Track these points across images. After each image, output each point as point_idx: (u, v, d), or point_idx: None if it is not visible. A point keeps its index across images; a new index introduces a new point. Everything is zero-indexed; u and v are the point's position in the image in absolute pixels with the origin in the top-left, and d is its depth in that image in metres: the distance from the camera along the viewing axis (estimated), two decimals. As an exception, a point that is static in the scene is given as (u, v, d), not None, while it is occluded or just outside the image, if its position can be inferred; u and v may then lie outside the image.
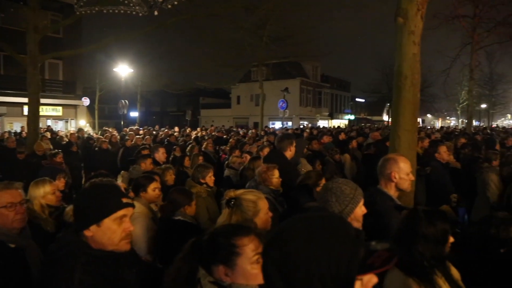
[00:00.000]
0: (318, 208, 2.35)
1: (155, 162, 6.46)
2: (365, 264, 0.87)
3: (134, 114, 34.25)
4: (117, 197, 1.75)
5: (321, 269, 0.85)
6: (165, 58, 30.35)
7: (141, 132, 16.44)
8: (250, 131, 18.10)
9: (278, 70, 32.56)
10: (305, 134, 12.96)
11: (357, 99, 59.12)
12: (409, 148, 4.50)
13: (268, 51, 23.84)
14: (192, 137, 14.19)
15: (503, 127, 30.35)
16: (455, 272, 2.15)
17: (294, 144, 4.86)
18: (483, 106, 51.01)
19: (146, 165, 5.83)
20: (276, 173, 3.87)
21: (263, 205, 2.31)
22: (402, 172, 2.80)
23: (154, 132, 16.70)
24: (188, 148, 9.00)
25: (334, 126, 34.34)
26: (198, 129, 20.28)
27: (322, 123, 41.00)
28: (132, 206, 1.80)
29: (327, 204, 2.01)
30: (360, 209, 2.06)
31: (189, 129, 19.77)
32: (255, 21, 22.45)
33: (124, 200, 1.75)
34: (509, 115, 76.75)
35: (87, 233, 1.69)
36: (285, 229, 0.95)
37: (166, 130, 18.23)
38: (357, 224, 2.02)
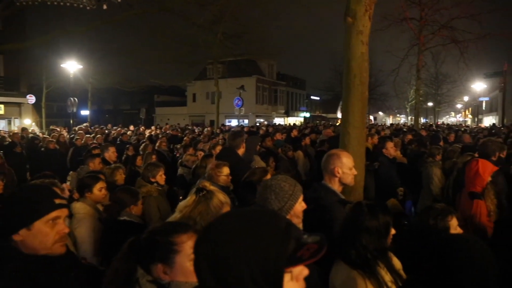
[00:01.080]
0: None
1: (105, 162, 6.25)
2: (294, 256, 0.87)
3: (85, 112, 32.92)
4: (48, 198, 1.65)
5: (250, 263, 0.84)
6: (118, 55, 29.16)
7: (92, 131, 15.83)
8: (205, 129, 17.96)
9: (234, 68, 32.59)
10: (260, 132, 13.03)
11: (312, 97, 60.37)
12: (358, 144, 4.62)
13: (223, 48, 23.70)
14: (146, 136, 13.85)
15: (447, 124, 32.13)
16: (396, 262, 2.22)
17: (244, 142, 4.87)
18: (430, 104, 53.70)
19: (95, 164, 5.63)
20: (225, 170, 3.86)
21: (226, 210, 2.29)
22: (345, 167, 2.86)
23: (106, 131, 16.13)
24: (141, 147, 8.79)
25: (289, 124, 34.84)
26: (153, 127, 19.83)
27: (278, 121, 41.48)
28: (66, 207, 1.71)
29: (266, 202, 2.00)
30: (300, 205, 2.07)
31: (143, 127, 19.30)
32: (209, 18, 22.27)
33: (57, 201, 1.66)
34: (453, 113, 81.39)
35: (16, 237, 1.58)
36: (215, 224, 0.94)
37: (119, 129, 17.68)
38: (297, 220, 2.03)
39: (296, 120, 49.02)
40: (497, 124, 27.56)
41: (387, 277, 2.03)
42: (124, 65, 33.44)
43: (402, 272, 2.18)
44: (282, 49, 26.67)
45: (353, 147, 4.54)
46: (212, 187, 2.35)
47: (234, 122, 32.41)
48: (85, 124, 19.67)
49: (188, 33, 21.78)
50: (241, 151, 4.82)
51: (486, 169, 4.15)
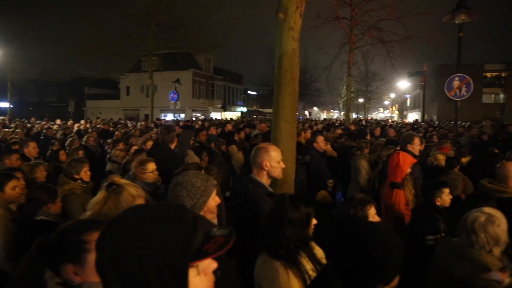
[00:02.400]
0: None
1: (25, 158, 5.81)
2: (201, 251, 0.86)
3: (4, 104, 30.24)
4: None
5: (155, 259, 0.82)
6: (43, 43, 27.00)
7: (12, 125, 14.58)
8: (139, 123, 17.35)
9: (169, 61, 31.70)
10: (196, 126, 12.88)
11: (249, 92, 60.88)
12: (289, 138, 4.72)
13: (158, 40, 22.97)
14: (74, 131, 13.07)
15: (375, 119, 34.05)
16: (318, 251, 2.30)
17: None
18: (361, 100, 56.51)
19: (12, 161, 5.20)
20: (150, 167, 3.76)
21: (140, 203, 2.20)
22: (273, 160, 2.91)
23: (28, 125, 14.95)
24: (68, 142, 8.30)
25: (226, 118, 34.81)
26: (82, 121, 18.74)
27: (215, 115, 41.33)
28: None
29: (178, 199, 1.95)
30: (214, 201, 2.05)
31: (71, 121, 18.19)
32: (144, 8, 21.44)
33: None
34: (381, 109, 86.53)
35: None
36: (117, 219, 0.89)
37: (43, 123, 16.48)
38: (211, 216, 2.01)
39: (233, 114, 49.13)
40: (419, 120, 29.75)
41: (308, 266, 2.10)
42: (50, 55, 31.11)
43: (324, 260, 2.27)
44: (219, 43, 26.27)
45: (284, 141, 4.64)
46: (122, 181, 2.25)
47: (170, 116, 31.66)
48: (1, 118, 17.99)
49: (121, 23, 20.82)
50: (174, 146, 4.72)
51: (406, 161, 4.45)
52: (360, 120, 28.87)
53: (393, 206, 4.25)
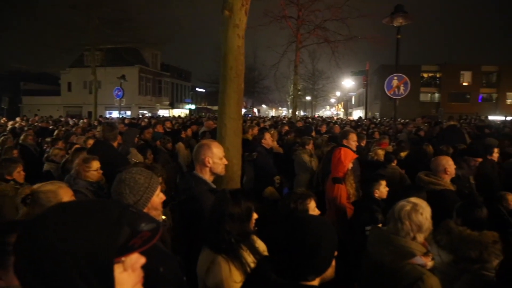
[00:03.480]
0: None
1: None
2: (126, 246, 0.85)
3: None
4: None
5: (77, 257, 0.79)
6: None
7: None
8: (81, 121, 16.60)
9: (114, 56, 30.51)
10: (142, 124, 12.57)
11: (198, 89, 60.23)
12: (235, 135, 4.76)
13: (101, 34, 22.02)
14: (8, 128, 12.24)
15: (321, 117, 35.08)
16: (260, 244, 2.35)
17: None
18: (308, 98, 57.93)
19: None
20: (94, 165, 3.63)
21: (64, 193, 2.12)
22: (215, 156, 2.93)
23: (-45, 123, 13.81)
24: (0, 140, 7.76)
25: (174, 116, 34.24)
26: (18, 118, 17.59)
27: (162, 113, 40.44)
28: None
29: (121, 197, 1.92)
30: (158, 197, 2.04)
31: (4, 119, 17.02)
32: (86, 0, 20.45)
33: None
34: (328, 106, 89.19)
35: None
36: (36, 220, 0.85)
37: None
38: (156, 213, 2.00)
39: (181, 112, 48.43)
40: (362, 117, 31.04)
41: (250, 258, 2.15)
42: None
43: (266, 253, 2.32)
44: (167, 39, 25.69)
45: (229, 138, 4.67)
46: (34, 187, 2.17)
47: (115, 114, 30.59)
48: None
49: (58, 15, 19.71)
50: (116, 143, 4.57)
51: (347, 157, 4.64)
52: (307, 117, 29.62)
53: (335, 200, 4.42)
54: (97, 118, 19.17)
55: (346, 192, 4.45)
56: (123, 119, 17.37)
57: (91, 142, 5.62)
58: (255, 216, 2.29)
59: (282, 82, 41.84)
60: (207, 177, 2.93)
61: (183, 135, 8.14)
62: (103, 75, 25.82)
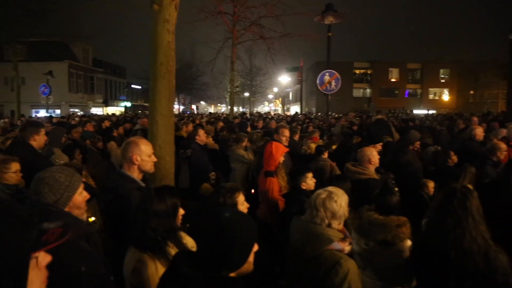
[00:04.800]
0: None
1: None
2: (39, 242, 0.87)
3: None
4: None
5: None
6: None
7: None
8: (2, 120, 15.36)
9: (40, 51, 28.44)
10: (72, 122, 11.93)
11: (134, 86, 58.18)
12: (167, 132, 4.68)
13: (22, 25, 20.31)
14: None
15: (259, 113, 35.54)
16: (189, 240, 2.35)
17: (43, 132, 4.37)
18: (246, 94, 58.26)
19: None
20: (14, 166, 3.41)
21: None
22: (143, 154, 2.88)
23: None
24: None
25: (108, 114, 32.83)
26: None
27: (96, 111, 38.61)
28: None
29: (40, 196, 1.85)
30: (81, 196, 1.99)
31: None
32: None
33: None
34: (266, 102, 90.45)
35: None
36: None
37: None
38: (78, 212, 1.95)
39: (116, 110, 46.53)
40: (298, 112, 31.92)
41: (176, 255, 2.14)
42: None
43: (195, 249, 2.33)
44: (98, 32, 24.47)
45: (162, 135, 4.59)
46: None
47: (42, 113, 28.64)
48: None
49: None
50: (35, 143, 4.30)
51: (278, 151, 4.77)
52: (244, 114, 29.89)
53: (267, 193, 4.52)
54: (19, 118, 17.82)
55: (278, 185, 4.57)
56: (51, 118, 16.32)
57: (9, 142, 5.23)
58: (181, 212, 2.30)
59: (220, 78, 41.71)
60: (136, 175, 2.88)
61: (115, 134, 7.85)
62: (27, 71, 24.00)
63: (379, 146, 5.55)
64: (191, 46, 44.41)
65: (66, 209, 1.89)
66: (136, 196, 2.61)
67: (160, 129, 4.60)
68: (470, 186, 2.50)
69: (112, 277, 2.12)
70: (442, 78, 59.45)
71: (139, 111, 39.32)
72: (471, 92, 59.42)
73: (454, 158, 5.61)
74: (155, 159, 3.00)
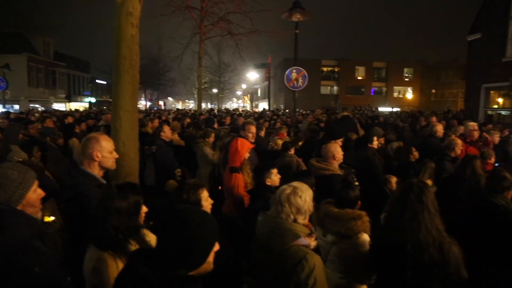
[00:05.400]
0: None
1: None
2: None
3: None
4: None
5: None
6: None
7: None
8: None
9: (-4, 43, 27.23)
10: (32, 118, 11.44)
11: (98, 81, 56.50)
12: (130, 128, 4.58)
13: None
14: None
15: (226, 109, 35.43)
16: (152, 238, 2.31)
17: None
18: (215, 90, 57.88)
19: None
20: None
21: None
22: (104, 150, 2.81)
23: None
24: None
25: (71, 109, 31.78)
26: None
27: (58, 107, 37.20)
28: None
29: None
30: (35, 194, 1.92)
31: None
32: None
33: None
34: (235, 99, 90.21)
35: None
36: None
37: None
38: (32, 210, 1.88)
39: (80, 105, 45.09)
40: (266, 109, 32.07)
41: (138, 253, 2.10)
42: None
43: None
44: (60, 25, 23.62)
45: (125, 131, 4.50)
46: None
47: (-1, 108, 27.32)
48: None
49: None
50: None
51: (244, 147, 4.78)
52: (212, 110, 29.74)
53: (232, 189, 4.52)
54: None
55: (243, 181, 4.58)
56: (8, 113, 15.58)
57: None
58: (145, 209, 2.26)
59: (188, 74, 41.10)
60: (96, 172, 2.80)
61: (77, 130, 7.59)
62: (-19, 64, 22.83)
63: (339, 141, 5.66)
64: (158, 41, 43.58)
65: (19, 207, 1.81)
66: (97, 194, 2.55)
67: (123, 125, 4.50)
68: (429, 181, 2.61)
69: (69, 277, 2.06)
70: (406, 77, 61.58)
71: (104, 107, 38.23)
72: (433, 91, 61.66)
73: (416, 153, 5.84)
74: (116, 156, 2.93)
